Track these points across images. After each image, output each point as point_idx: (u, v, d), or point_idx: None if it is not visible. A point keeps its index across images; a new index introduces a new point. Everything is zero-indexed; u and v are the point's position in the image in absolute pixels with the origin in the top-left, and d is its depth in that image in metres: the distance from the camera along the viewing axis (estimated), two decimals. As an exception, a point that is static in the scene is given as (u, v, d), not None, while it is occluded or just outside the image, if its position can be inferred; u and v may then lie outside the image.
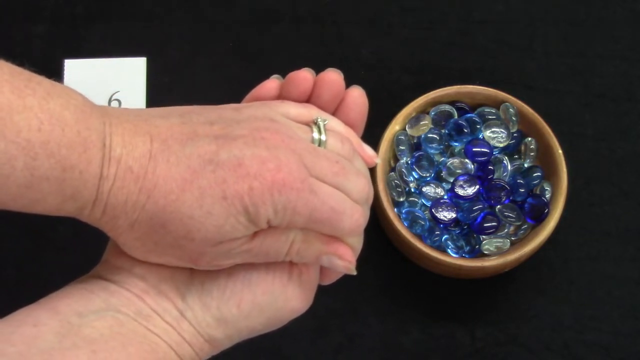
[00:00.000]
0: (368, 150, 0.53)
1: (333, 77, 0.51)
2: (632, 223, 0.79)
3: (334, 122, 0.51)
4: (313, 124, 0.49)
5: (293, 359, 0.75)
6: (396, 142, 0.76)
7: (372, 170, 0.74)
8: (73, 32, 0.85)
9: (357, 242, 0.51)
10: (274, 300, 0.48)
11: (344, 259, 0.49)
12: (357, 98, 0.52)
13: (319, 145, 0.48)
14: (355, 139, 0.52)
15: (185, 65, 0.84)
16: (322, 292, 0.77)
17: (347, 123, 0.52)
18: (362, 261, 0.78)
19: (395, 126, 0.76)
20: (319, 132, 0.49)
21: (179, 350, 0.46)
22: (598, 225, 0.79)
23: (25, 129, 0.40)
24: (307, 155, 0.46)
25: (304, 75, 0.51)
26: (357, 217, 0.47)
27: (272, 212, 0.44)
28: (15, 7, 0.86)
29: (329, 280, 0.53)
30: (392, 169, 0.76)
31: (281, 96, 0.51)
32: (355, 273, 0.50)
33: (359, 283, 0.77)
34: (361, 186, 0.48)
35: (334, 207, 0.46)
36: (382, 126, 0.76)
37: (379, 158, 0.53)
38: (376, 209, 0.76)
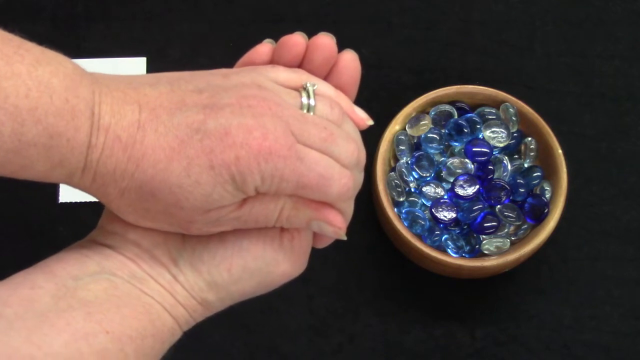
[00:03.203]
0: (360, 112, 0.52)
1: (325, 41, 0.50)
2: (632, 223, 0.79)
3: (323, 87, 0.50)
4: (302, 88, 0.49)
5: (292, 359, 0.75)
6: (396, 142, 0.76)
7: (372, 170, 0.74)
8: (73, 32, 0.85)
9: (348, 207, 0.50)
10: (265, 265, 0.49)
11: (334, 225, 0.49)
12: (350, 62, 0.52)
13: (308, 110, 0.48)
14: (346, 102, 0.51)
15: (185, 65, 0.84)
16: (322, 292, 0.78)
17: (339, 87, 0.51)
18: (362, 261, 0.79)
19: (395, 126, 0.76)
20: (308, 96, 0.48)
21: (173, 311, 0.47)
22: (598, 225, 0.79)
23: (13, 95, 0.41)
24: (294, 122, 0.46)
25: (296, 40, 0.51)
26: (345, 182, 0.47)
27: (260, 180, 0.45)
28: (15, 7, 0.86)
29: (322, 244, 0.53)
30: (392, 169, 0.76)
31: (273, 60, 0.51)
32: (345, 238, 0.50)
33: (359, 283, 0.78)
34: (350, 151, 0.48)
35: (321, 173, 0.46)
36: (382, 126, 0.76)
37: (370, 120, 0.52)
38: (376, 209, 0.76)
